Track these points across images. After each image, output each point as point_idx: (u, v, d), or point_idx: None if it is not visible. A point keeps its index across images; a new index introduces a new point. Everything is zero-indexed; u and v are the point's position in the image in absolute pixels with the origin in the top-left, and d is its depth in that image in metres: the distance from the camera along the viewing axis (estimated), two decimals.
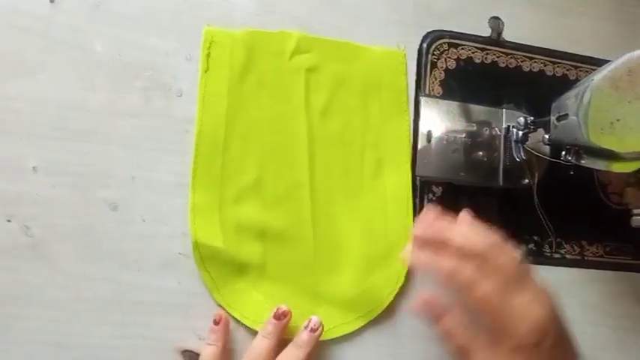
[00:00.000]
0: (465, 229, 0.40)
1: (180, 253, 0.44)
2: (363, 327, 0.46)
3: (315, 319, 0.42)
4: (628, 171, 0.39)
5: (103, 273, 0.42)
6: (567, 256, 0.52)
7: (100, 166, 0.43)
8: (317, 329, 0.42)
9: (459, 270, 0.38)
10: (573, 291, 0.52)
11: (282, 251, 0.45)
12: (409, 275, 0.47)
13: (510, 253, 0.39)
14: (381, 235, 0.47)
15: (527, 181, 0.51)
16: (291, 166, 0.45)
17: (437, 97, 0.50)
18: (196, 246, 0.43)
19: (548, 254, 0.52)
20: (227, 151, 0.44)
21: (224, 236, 0.43)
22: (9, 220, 0.41)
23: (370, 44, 0.49)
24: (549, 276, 0.50)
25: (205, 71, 0.44)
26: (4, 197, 0.41)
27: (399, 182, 0.48)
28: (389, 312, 0.46)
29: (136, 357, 0.42)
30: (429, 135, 0.50)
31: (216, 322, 0.42)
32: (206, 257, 0.43)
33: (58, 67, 0.43)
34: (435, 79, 0.50)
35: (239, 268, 0.44)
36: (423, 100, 0.50)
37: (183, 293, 0.43)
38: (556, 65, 0.54)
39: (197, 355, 0.43)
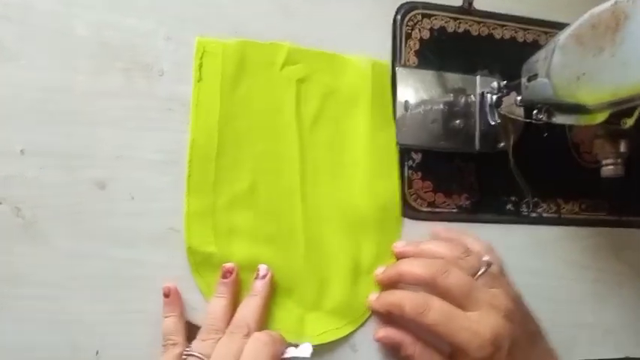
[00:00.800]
0: (410, 259, 0.46)
1: (170, 228, 0.45)
2: (353, 332, 0.47)
3: (262, 266, 0.44)
4: (595, 122, 0.41)
5: (95, 251, 0.43)
6: (544, 215, 0.54)
7: (86, 147, 0.43)
8: (266, 275, 0.44)
9: (404, 301, 0.43)
10: (552, 248, 0.54)
11: (273, 257, 0.46)
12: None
13: (457, 274, 0.43)
14: (371, 244, 0.49)
15: (502, 144, 0.53)
16: (282, 175, 0.47)
17: (413, 67, 0.52)
18: (190, 252, 0.44)
19: (526, 213, 0.53)
20: (220, 158, 0.45)
21: (217, 242, 0.45)
22: (0, 203, 0.42)
23: (348, 49, 0.50)
24: (528, 234, 0.53)
25: (198, 81, 0.46)
26: None
27: (387, 192, 0.49)
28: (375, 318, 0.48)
29: (132, 332, 0.43)
30: (406, 104, 0.51)
31: (166, 295, 0.43)
32: (200, 263, 0.45)
33: (38, 52, 0.43)
34: (410, 49, 0.52)
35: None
36: (399, 70, 0.51)
37: (176, 267, 0.44)
38: (527, 32, 0.55)
39: (193, 326, 0.44)
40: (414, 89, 0.51)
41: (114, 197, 0.44)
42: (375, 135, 0.50)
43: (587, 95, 0.39)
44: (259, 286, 0.44)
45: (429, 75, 0.52)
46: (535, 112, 0.46)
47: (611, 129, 0.43)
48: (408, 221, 0.50)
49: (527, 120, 0.49)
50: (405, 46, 0.52)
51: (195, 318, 0.44)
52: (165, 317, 0.43)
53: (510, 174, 0.53)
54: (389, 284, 0.47)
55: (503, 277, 0.47)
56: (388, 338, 0.45)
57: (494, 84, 0.51)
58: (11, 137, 0.42)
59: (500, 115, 0.52)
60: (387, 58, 0.51)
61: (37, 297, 0.42)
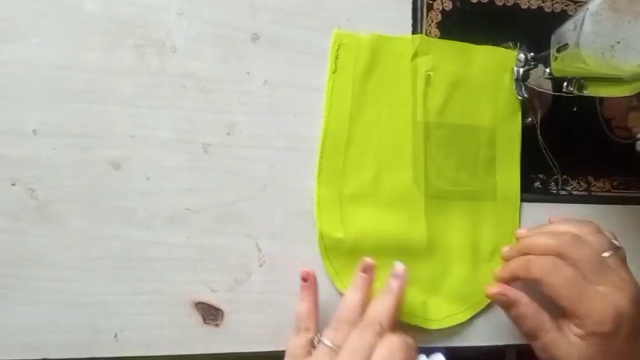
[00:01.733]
0: (538, 233, 0.45)
1: (186, 209, 0.44)
2: (471, 318, 0.48)
3: (398, 265, 0.44)
4: (630, 94, 0.39)
5: (111, 231, 0.42)
6: (574, 193, 0.52)
7: (99, 126, 0.43)
8: (402, 275, 0.43)
9: (532, 263, 0.43)
10: None
11: (397, 244, 0.47)
12: None
13: (587, 246, 0.42)
14: (489, 232, 0.49)
15: (530, 119, 0.51)
16: (406, 164, 0.47)
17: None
18: (321, 236, 0.45)
19: (555, 192, 0.51)
20: (349, 148, 0.46)
21: (345, 229, 0.45)
22: (13, 184, 0.41)
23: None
24: (557, 213, 0.50)
25: (333, 72, 0.47)
26: (6, 162, 0.41)
27: (508, 181, 0.50)
28: (494, 304, 0.48)
29: (150, 312, 0.43)
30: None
31: (304, 279, 0.44)
32: (329, 247, 0.45)
33: (50, 29, 0.42)
34: (432, 21, 0.50)
35: (356, 261, 0.45)
36: None
37: (193, 248, 0.44)
38: (555, 1, 0.53)
39: (211, 307, 0.43)
40: None
41: (129, 177, 0.43)
42: (500, 124, 0.50)
43: (623, 64, 0.37)
44: (395, 286, 0.43)
45: None
46: (565, 84, 0.44)
47: None
48: None
49: (557, 93, 0.47)
50: (427, 17, 0.49)
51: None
52: (301, 301, 0.43)
53: (538, 150, 0.51)
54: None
55: (627, 266, 0.44)
56: (503, 295, 0.44)
57: (521, 56, 0.49)
58: (23, 117, 0.41)
59: (528, 89, 0.50)
60: (407, 30, 0.49)
61: (53, 279, 0.41)
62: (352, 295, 0.43)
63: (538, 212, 0.50)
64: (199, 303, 0.43)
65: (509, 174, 0.50)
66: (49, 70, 0.42)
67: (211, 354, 0.43)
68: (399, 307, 0.43)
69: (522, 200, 0.50)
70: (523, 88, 0.50)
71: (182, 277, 0.43)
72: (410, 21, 0.49)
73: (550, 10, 0.52)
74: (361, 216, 0.46)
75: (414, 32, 0.49)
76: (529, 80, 0.49)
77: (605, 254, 0.42)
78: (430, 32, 0.50)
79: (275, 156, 0.46)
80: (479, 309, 0.48)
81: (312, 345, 0.41)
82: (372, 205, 0.47)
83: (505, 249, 0.48)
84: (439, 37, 0.50)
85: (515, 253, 0.46)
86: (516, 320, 0.43)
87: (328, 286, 0.46)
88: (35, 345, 0.41)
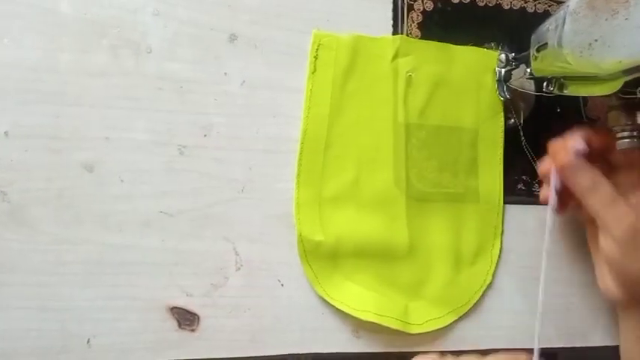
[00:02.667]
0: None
1: (162, 212, 0.43)
2: (454, 322, 0.47)
3: None
4: (609, 92, 0.38)
5: (84, 235, 0.41)
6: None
7: (73, 128, 0.42)
8: None
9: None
10: (566, 230, 0.51)
11: (377, 248, 0.46)
12: (496, 274, 0.48)
13: None
14: (472, 235, 0.48)
15: (513, 121, 0.50)
16: (387, 166, 0.46)
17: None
18: (300, 239, 0.44)
19: (538, 193, 0.50)
20: (328, 150, 0.46)
21: (324, 231, 0.45)
22: None
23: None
24: (540, 215, 0.50)
25: (312, 72, 0.46)
26: None
27: (491, 183, 0.49)
28: (476, 308, 0.48)
29: (124, 317, 0.42)
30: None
31: None
32: (309, 251, 0.45)
33: (23, 30, 0.41)
34: (413, 21, 0.49)
35: (336, 263, 0.45)
36: None
37: (168, 252, 0.43)
38: (537, 2, 0.52)
39: (186, 312, 0.43)
40: None
41: (103, 180, 0.42)
42: (482, 124, 0.49)
43: (601, 62, 0.36)
44: None
45: None
46: (545, 84, 0.44)
47: (626, 99, 0.40)
48: None
49: (538, 93, 0.47)
50: (407, 18, 0.49)
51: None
52: None
53: (521, 152, 0.50)
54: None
55: None
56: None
57: (503, 57, 0.49)
58: None
59: (510, 90, 0.49)
60: (387, 31, 0.48)
61: (26, 284, 0.40)
62: None
63: (521, 214, 0.50)
64: (174, 308, 0.42)
65: (492, 176, 0.49)
66: (22, 72, 0.41)
67: None
68: None
69: (505, 202, 0.50)
70: (505, 89, 0.49)
71: (157, 282, 0.42)
72: (390, 22, 0.49)
73: (532, 10, 0.52)
74: (341, 218, 0.46)
75: (394, 33, 0.49)
76: (511, 81, 0.49)
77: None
78: (411, 33, 0.49)
79: (253, 158, 0.45)
80: (461, 313, 0.47)
81: None
82: (352, 208, 0.46)
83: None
84: (420, 38, 0.49)
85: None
86: (588, 192, 0.41)
87: (307, 290, 0.45)
88: (6, 351, 0.40)
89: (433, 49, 0.49)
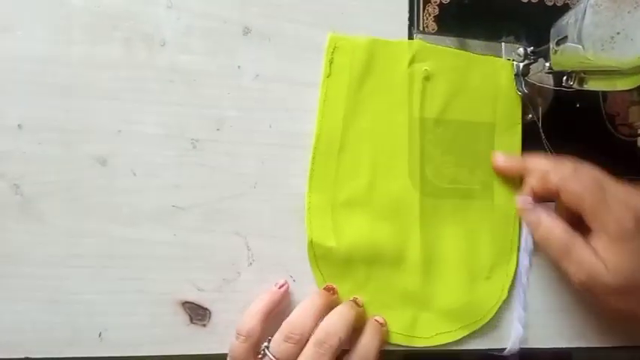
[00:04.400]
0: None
1: (173, 206, 0.43)
2: (465, 337, 0.46)
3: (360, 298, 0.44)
4: (631, 87, 0.37)
5: (95, 228, 0.41)
6: None
7: (85, 121, 0.42)
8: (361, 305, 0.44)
9: (554, 169, 0.43)
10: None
11: (388, 256, 0.45)
12: (513, 289, 0.47)
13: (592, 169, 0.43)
14: (487, 248, 0.47)
15: (531, 116, 0.49)
16: (401, 173, 0.46)
17: (432, 34, 0.48)
18: (311, 245, 0.44)
19: None
20: (342, 154, 0.45)
21: (336, 237, 0.44)
22: None
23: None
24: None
25: (327, 76, 0.45)
26: None
27: (507, 195, 0.48)
28: (492, 324, 0.47)
29: (134, 312, 0.42)
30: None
31: (281, 285, 0.44)
32: (319, 256, 0.44)
33: (35, 22, 0.41)
34: (429, 14, 0.48)
35: (347, 270, 0.45)
36: (417, 37, 0.48)
37: (180, 246, 0.43)
38: None
39: (198, 306, 0.42)
40: None
41: (115, 173, 0.42)
42: (499, 136, 0.48)
43: (622, 56, 0.36)
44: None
45: (450, 42, 0.48)
46: (565, 78, 0.43)
47: None
48: None
49: (557, 88, 0.46)
50: (424, 11, 0.48)
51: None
52: (260, 300, 0.42)
53: (540, 147, 0.49)
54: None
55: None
56: (524, 208, 0.45)
57: (521, 50, 0.48)
58: (8, 112, 0.41)
59: (528, 84, 0.48)
60: (402, 24, 0.47)
61: (35, 276, 0.40)
62: (309, 303, 0.42)
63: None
64: (186, 302, 0.42)
65: (508, 186, 0.48)
66: (33, 64, 0.41)
67: (198, 355, 0.42)
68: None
69: None
70: (523, 84, 0.48)
71: (168, 276, 0.42)
72: (406, 14, 0.48)
73: (551, 3, 0.51)
74: (353, 224, 0.45)
75: (410, 27, 0.48)
76: (529, 75, 0.48)
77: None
78: (427, 26, 0.48)
79: (266, 152, 0.45)
80: (474, 329, 0.46)
81: (255, 351, 0.40)
82: (365, 214, 0.45)
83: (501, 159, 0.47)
84: (436, 32, 0.48)
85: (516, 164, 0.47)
86: (542, 242, 0.43)
87: None
88: (15, 343, 0.40)
89: (450, 55, 0.48)
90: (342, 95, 0.45)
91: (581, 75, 0.41)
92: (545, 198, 0.45)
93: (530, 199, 0.45)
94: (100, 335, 0.41)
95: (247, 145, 0.44)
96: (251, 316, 0.41)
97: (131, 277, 0.42)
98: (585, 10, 0.39)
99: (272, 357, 0.39)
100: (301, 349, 0.40)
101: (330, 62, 0.45)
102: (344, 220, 0.45)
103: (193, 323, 0.42)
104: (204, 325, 0.42)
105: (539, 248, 0.45)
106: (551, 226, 0.43)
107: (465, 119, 0.48)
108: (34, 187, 0.41)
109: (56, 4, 0.42)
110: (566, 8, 0.51)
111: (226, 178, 0.44)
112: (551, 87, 0.47)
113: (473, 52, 0.48)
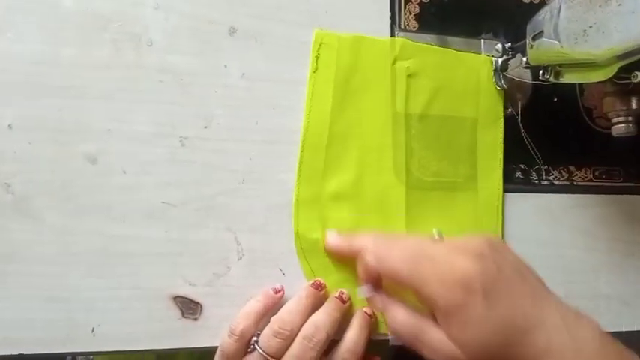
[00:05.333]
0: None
1: (164, 203, 0.43)
2: None
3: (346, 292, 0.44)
4: (604, 78, 0.39)
5: (88, 226, 0.42)
6: (556, 183, 0.52)
7: (76, 121, 0.42)
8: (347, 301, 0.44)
9: (369, 247, 0.40)
10: (563, 217, 0.51)
11: None
12: None
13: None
14: (471, 231, 0.48)
15: (510, 110, 0.51)
16: (388, 168, 0.47)
17: (413, 32, 0.50)
18: (298, 237, 0.45)
19: (536, 182, 0.51)
20: (330, 148, 0.46)
21: (322, 229, 0.45)
22: None
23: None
24: (539, 203, 0.51)
25: (314, 71, 0.46)
26: None
27: (490, 188, 0.49)
28: None
29: (129, 307, 0.42)
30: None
31: (277, 291, 0.44)
32: (306, 248, 0.45)
33: (25, 24, 0.42)
34: (410, 13, 0.50)
35: (334, 262, 0.45)
36: (399, 35, 0.49)
37: (171, 242, 0.43)
38: None
39: (189, 300, 0.43)
40: None
41: (105, 171, 0.43)
42: (482, 131, 0.49)
43: (595, 48, 0.37)
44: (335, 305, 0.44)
45: (431, 40, 0.50)
46: (541, 72, 0.44)
47: (621, 85, 0.40)
48: None
49: (535, 82, 0.47)
50: (405, 9, 0.49)
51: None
52: (256, 301, 0.43)
53: (519, 141, 0.51)
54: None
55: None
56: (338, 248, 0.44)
57: (499, 47, 0.49)
58: None
59: (507, 79, 0.50)
60: (385, 23, 0.49)
61: (30, 274, 0.41)
62: (298, 300, 0.43)
63: (519, 203, 0.50)
64: (178, 297, 0.43)
65: (491, 182, 0.50)
66: (25, 65, 0.42)
67: (190, 348, 0.43)
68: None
69: (504, 191, 0.50)
70: (502, 79, 0.50)
71: (160, 272, 0.43)
72: (388, 13, 0.49)
73: (528, 0, 0.52)
74: (340, 217, 0.46)
75: (392, 24, 0.49)
76: (508, 70, 0.49)
77: (435, 235, 0.42)
78: (409, 24, 0.50)
79: (254, 149, 0.46)
80: None
81: (245, 348, 0.41)
82: (352, 207, 0.46)
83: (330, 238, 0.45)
84: (417, 29, 0.50)
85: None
86: (391, 331, 0.40)
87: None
88: (11, 340, 0.40)
89: (434, 53, 0.49)
90: (329, 90, 0.46)
91: (556, 68, 0.43)
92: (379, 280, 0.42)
93: (368, 287, 0.42)
94: (93, 331, 0.42)
95: (235, 142, 0.45)
96: (246, 316, 0.42)
97: (124, 273, 0.42)
98: (560, 6, 0.40)
99: (261, 352, 0.40)
100: (289, 344, 0.41)
101: (317, 57, 0.47)
102: (331, 213, 0.46)
103: (185, 317, 0.43)
104: (195, 319, 0.43)
105: None
106: (394, 313, 0.39)
107: (448, 115, 0.49)
108: (26, 186, 0.41)
109: (46, 6, 0.42)
110: (542, 5, 0.52)
111: (215, 174, 0.45)
112: (529, 81, 0.48)
113: (454, 50, 0.50)
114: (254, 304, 0.42)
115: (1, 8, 0.42)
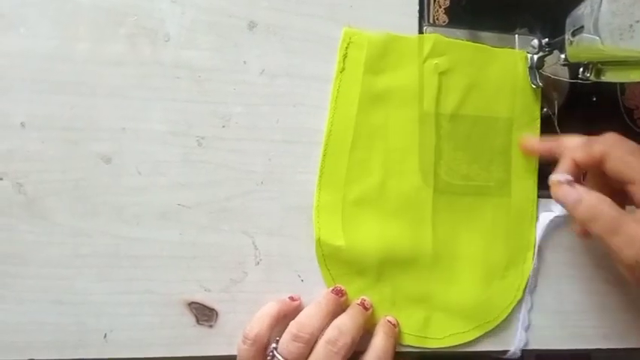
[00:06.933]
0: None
1: (179, 204, 0.42)
2: (478, 338, 0.45)
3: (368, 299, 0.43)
4: None
5: (100, 228, 0.41)
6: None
7: (90, 119, 0.41)
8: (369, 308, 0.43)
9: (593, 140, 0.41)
10: None
11: (400, 256, 0.44)
12: (528, 288, 0.46)
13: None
14: (502, 247, 0.46)
15: (546, 110, 0.48)
16: (415, 171, 0.45)
17: (442, 26, 0.47)
18: (319, 244, 0.43)
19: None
20: (354, 151, 0.44)
21: (345, 236, 0.43)
22: (0, 179, 0.40)
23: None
24: None
25: (341, 71, 0.44)
26: None
27: (524, 193, 0.47)
28: (506, 324, 0.46)
29: (141, 312, 0.41)
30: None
31: (294, 299, 0.43)
32: (327, 255, 0.43)
33: (38, 18, 0.41)
34: (440, 6, 0.47)
35: (357, 270, 0.44)
36: (427, 30, 0.47)
37: (186, 245, 0.42)
38: None
39: (204, 307, 0.42)
40: None
41: (119, 171, 0.41)
42: (517, 132, 0.47)
43: None
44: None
45: (461, 35, 0.47)
46: (581, 70, 0.41)
47: None
48: None
49: (573, 80, 0.44)
50: (434, 2, 0.47)
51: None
52: (275, 303, 0.42)
53: None
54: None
55: None
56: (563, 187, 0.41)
57: (535, 42, 0.46)
58: (11, 109, 0.40)
59: (543, 77, 0.47)
60: (412, 17, 0.46)
61: (40, 276, 0.40)
62: (317, 305, 0.41)
63: (552, 208, 0.47)
64: (192, 303, 0.41)
65: (525, 186, 0.47)
66: (37, 61, 0.40)
67: (204, 356, 0.41)
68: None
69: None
70: (537, 77, 0.47)
71: (174, 276, 0.41)
72: (416, 7, 0.47)
73: None
74: (363, 223, 0.44)
75: (420, 18, 0.47)
76: (544, 68, 0.46)
77: None
78: (438, 18, 0.47)
79: (273, 149, 0.44)
80: (488, 329, 0.45)
81: (263, 355, 0.39)
82: (376, 212, 0.44)
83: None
84: (447, 24, 0.47)
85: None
86: (586, 219, 0.39)
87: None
88: (21, 345, 0.40)
89: (467, 49, 0.46)
90: (356, 91, 0.44)
91: (598, 66, 0.40)
92: (584, 170, 0.43)
93: (568, 175, 0.41)
94: (105, 336, 0.40)
95: (254, 141, 0.43)
96: (259, 321, 0.40)
97: (137, 277, 0.41)
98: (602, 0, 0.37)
99: (281, 358, 0.38)
100: (310, 350, 0.39)
101: (344, 57, 0.44)
102: (354, 219, 0.43)
103: (200, 324, 0.42)
104: (210, 326, 0.42)
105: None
106: (597, 202, 0.39)
107: (481, 114, 0.46)
108: (38, 185, 0.40)
109: (60, 1, 0.41)
110: None
111: (232, 175, 0.43)
112: (567, 79, 0.45)
113: (484, 44, 0.47)
114: (268, 308, 0.41)
115: (14, 3, 0.40)
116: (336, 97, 0.44)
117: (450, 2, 0.47)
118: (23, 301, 0.40)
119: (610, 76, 0.39)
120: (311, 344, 0.39)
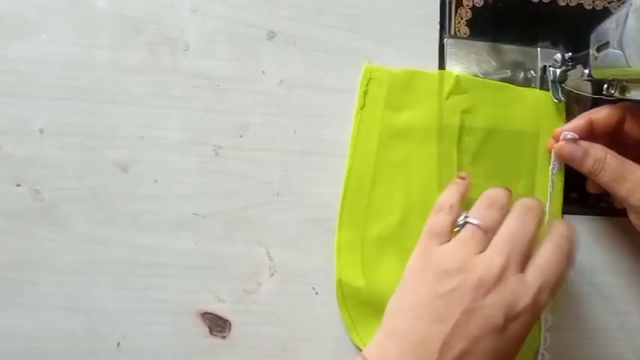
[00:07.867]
0: None
1: (195, 214, 0.42)
2: None
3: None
4: None
5: (116, 236, 0.41)
6: (615, 205, 0.47)
7: (108, 126, 0.41)
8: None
9: None
10: (621, 242, 0.47)
11: None
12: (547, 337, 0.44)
13: None
14: None
15: None
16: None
17: (464, 39, 0.46)
18: (339, 284, 0.42)
19: (594, 204, 0.47)
20: (374, 189, 0.43)
21: (365, 276, 0.42)
22: (18, 185, 0.40)
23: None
24: (596, 227, 0.47)
25: (361, 108, 0.44)
26: (12, 161, 0.40)
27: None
28: None
29: (154, 321, 0.41)
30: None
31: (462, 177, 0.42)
32: (347, 296, 0.42)
33: (59, 25, 0.41)
34: (461, 18, 0.47)
35: (377, 312, 0.42)
36: (448, 42, 0.46)
37: (201, 254, 0.42)
38: None
39: (218, 317, 0.41)
40: (466, 64, 0.46)
41: (136, 180, 0.41)
42: (541, 174, 0.46)
43: None
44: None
45: (482, 47, 0.47)
46: (605, 87, 0.41)
47: None
48: None
49: (597, 96, 0.44)
50: (456, 14, 0.46)
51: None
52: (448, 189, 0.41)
53: None
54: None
55: None
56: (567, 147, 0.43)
57: (558, 56, 0.45)
58: (30, 115, 0.40)
59: (565, 92, 0.46)
60: (433, 29, 0.46)
61: (55, 283, 0.40)
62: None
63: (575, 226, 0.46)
64: (206, 313, 0.41)
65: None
66: (57, 68, 0.41)
67: None
68: None
69: None
70: (560, 91, 0.46)
71: (189, 286, 0.41)
72: (437, 18, 0.46)
73: (590, 7, 0.49)
74: (384, 262, 0.43)
75: (441, 31, 0.46)
76: (566, 82, 0.46)
77: None
78: (459, 30, 0.46)
79: (290, 159, 0.43)
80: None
81: (454, 225, 0.38)
82: (397, 251, 0.43)
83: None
84: (468, 36, 0.46)
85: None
86: (594, 170, 0.41)
87: (343, 336, 0.43)
88: (35, 351, 0.39)
89: (490, 88, 0.45)
90: (376, 129, 0.44)
91: (623, 83, 0.39)
92: (598, 132, 0.43)
93: (574, 133, 0.43)
94: (118, 345, 0.40)
95: (271, 152, 0.43)
96: (450, 194, 0.39)
97: (151, 285, 0.41)
98: (627, 15, 0.37)
99: (474, 224, 0.37)
100: (504, 218, 0.37)
101: (365, 94, 0.44)
102: (374, 258, 0.43)
103: (213, 335, 0.41)
104: (223, 337, 0.41)
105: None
106: (602, 153, 0.41)
107: (504, 153, 0.45)
108: (55, 192, 0.40)
109: (81, 8, 0.41)
110: (606, 12, 0.48)
111: (249, 185, 0.43)
112: (590, 95, 0.45)
113: (507, 58, 0.46)
114: (450, 189, 0.40)
115: (35, 9, 0.41)
116: (357, 134, 0.43)
117: (472, 14, 0.47)
118: (37, 308, 0.39)
119: (635, 94, 0.38)
120: (504, 213, 0.38)
